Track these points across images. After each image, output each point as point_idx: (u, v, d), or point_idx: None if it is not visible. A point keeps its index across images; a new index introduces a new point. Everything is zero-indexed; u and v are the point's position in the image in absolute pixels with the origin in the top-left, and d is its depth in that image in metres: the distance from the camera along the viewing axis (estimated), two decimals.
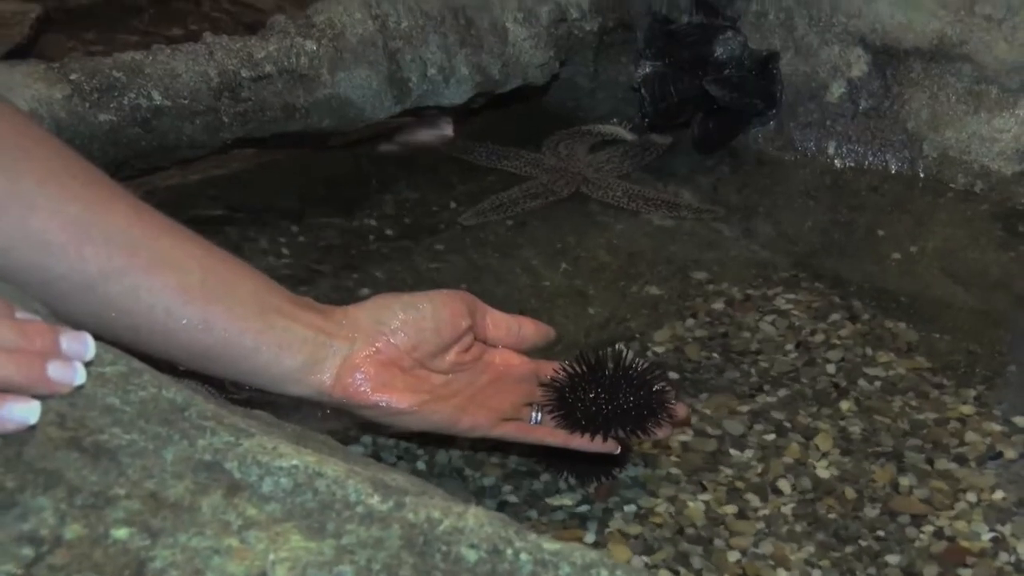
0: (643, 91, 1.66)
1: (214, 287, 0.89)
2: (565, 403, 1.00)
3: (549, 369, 1.02)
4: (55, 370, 0.71)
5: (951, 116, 1.58)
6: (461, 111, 1.63)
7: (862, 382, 1.22)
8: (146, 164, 1.34)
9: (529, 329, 1.04)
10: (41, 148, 0.86)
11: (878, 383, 1.21)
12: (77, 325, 0.77)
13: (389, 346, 0.95)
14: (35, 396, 0.69)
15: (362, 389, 0.93)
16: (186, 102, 1.31)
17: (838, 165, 1.63)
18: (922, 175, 1.60)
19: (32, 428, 0.69)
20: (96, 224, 0.84)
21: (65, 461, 0.67)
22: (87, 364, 0.73)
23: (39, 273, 0.82)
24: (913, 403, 1.19)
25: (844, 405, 1.18)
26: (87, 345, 0.74)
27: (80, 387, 0.72)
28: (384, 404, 0.94)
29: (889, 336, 1.29)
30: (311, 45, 1.41)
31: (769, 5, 1.63)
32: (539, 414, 1.01)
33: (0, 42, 1.68)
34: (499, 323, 1.02)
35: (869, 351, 1.27)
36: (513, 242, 1.45)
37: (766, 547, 1.00)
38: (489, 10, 1.54)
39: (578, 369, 1.00)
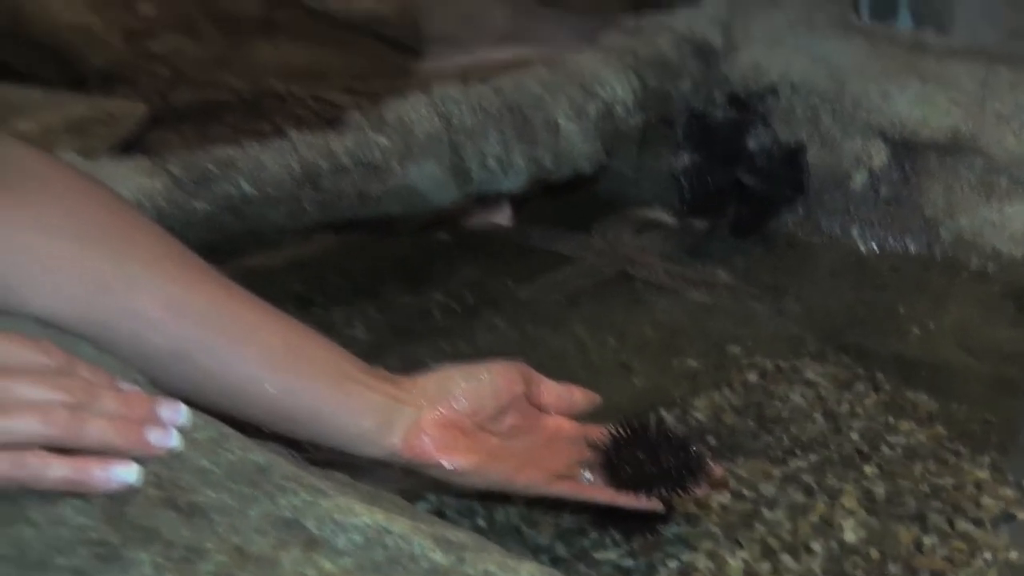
0: (682, 180, 1.66)
1: (295, 358, 0.89)
2: (612, 464, 1.00)
3: (597, 433, 1.02)
4: (153, 435, 0.72)
5: (965, 204, 1.57)
6: (517, 197, 1.63)
7: (885, 448, 1.20)
8: (235, 247, 1.35)
9: (578, 396, 1.04)
10: (144, 235, 0.88)
11: (900, 449, 1.20)
12: (172, 393, 0.78)
13: (452, 411, 0.95)
14: (136, 459, 0.70)
15: (428, 450, 0.93)
16: (272, 191, 1.32)
17: (862, 248, 1.62)
18: (939, 257, 1.58)
19: (133, 488, 0.69)
20: (191, 302, 0.85)
21: (162, 518, 0.68)
22: (181, 429, 0.73)
23: (140, 346, 0.83)
24: (933, 468, 1.17)
25: (868, 470, 1.16)
26: (181, 412, 0.74)
27: (175, 450, 0.72)
28: (447, 464, 0.94)
29: (910, 406, 1.28)
30: (383, 140, 1.42)
31: (796, 102, 1.63)
32: (589, 474, 1.01)
33: (109, 137, 1.71)
34: (551, 391, 1.02)
35: (891, 419, 1.25)
36: (564, 317, 1.45)
37: None
38: (543, 108, 1.55)
39: (623, 433, 1.00)
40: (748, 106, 1.66)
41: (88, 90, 1.92)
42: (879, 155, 1.61)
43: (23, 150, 0.87)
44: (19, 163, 0.85)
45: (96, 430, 0.70)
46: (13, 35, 2.07)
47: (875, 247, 1.62)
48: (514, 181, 1.55)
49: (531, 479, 0.98)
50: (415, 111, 1.47)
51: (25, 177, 0.84)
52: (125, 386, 0.75)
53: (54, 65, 2.03)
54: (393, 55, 2.18)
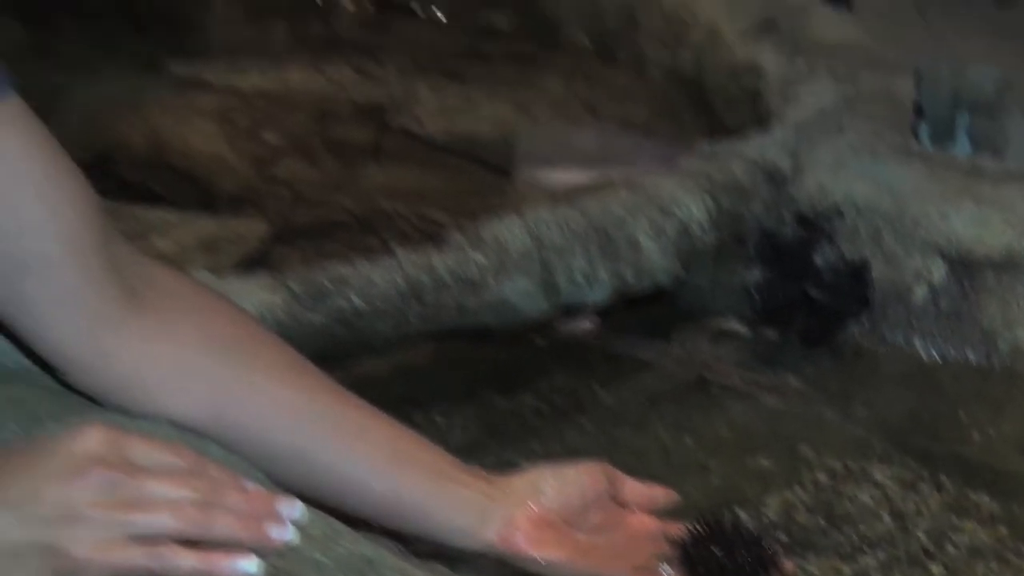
0: (754, 293, 1.66)
1: (400, 458, 0.91)
2: (690, 559, 0.99)
3: (676, 529, 1.01)
4: (272, 530, 0.73)
5: (1021, 317, 1.54)
6: (602, 308, 1.64)
7: (950, 547, 1.18)
8: (346, 355, 1.38)
9: (658, 494, 1.04)
10: (265, 346, 0.91)
11: (964, 549, 1.18)
12: (289, 489, 0.80)
13: (542, 508, 0.96)
14: (257, 552, 0.72)
15: (521, 545, 0.94)
16: (380, 305, 1.35)
17: (924, 357, 1.60)
18: (997, 367, 1.56)
19: None
20: (307, 407, 0.87)
21: None
22: (297, 524, 0.75)
23: (261, 447, 0.85)
24: (995, 567, 1.14)
25: (935, 568, 1.14)
26: (297, 508, 0.76)
27: (292, 544, 0.74)
28: (539, 558, 0.94)
29: (973, 507, 1.25)
30: (480, 258, 1.44)
31: (860, 221, 1.63)
32: (668, 568, 1.01)
33: (236, 254, 1.75)
34: (633, 489, 1.03)
35: (955, 519, 1.23)
36: (646, 420, 1.45)
37: None
38: (625, 227, 1.56)
39: (700, 529, 1.00)
40: (815, 225, 1.66)
41: (218, 211, 1.97)
42: (938, 271, 1.59)
43: (161, 270, 0.91)
44: (157, 282, 0.89)
45: (222, 525, 0.72)
46: (155, 163, 2.14)
47: (937, 356, 1.60)
48: (599, 294, 1.56)
49: (615, 572, 0.98)
50: (509, 231, 1.49)
51: (163, 295, 0.88)
52: (248, 484, 0.77)
53: (189, 189, 2.09)
54: (490, 176, 2.21)
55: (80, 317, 0.83)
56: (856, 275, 1.63)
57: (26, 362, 0.86)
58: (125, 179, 2.06)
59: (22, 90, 0.81)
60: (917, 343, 1.61)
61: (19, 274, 0.81)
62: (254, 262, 1.75)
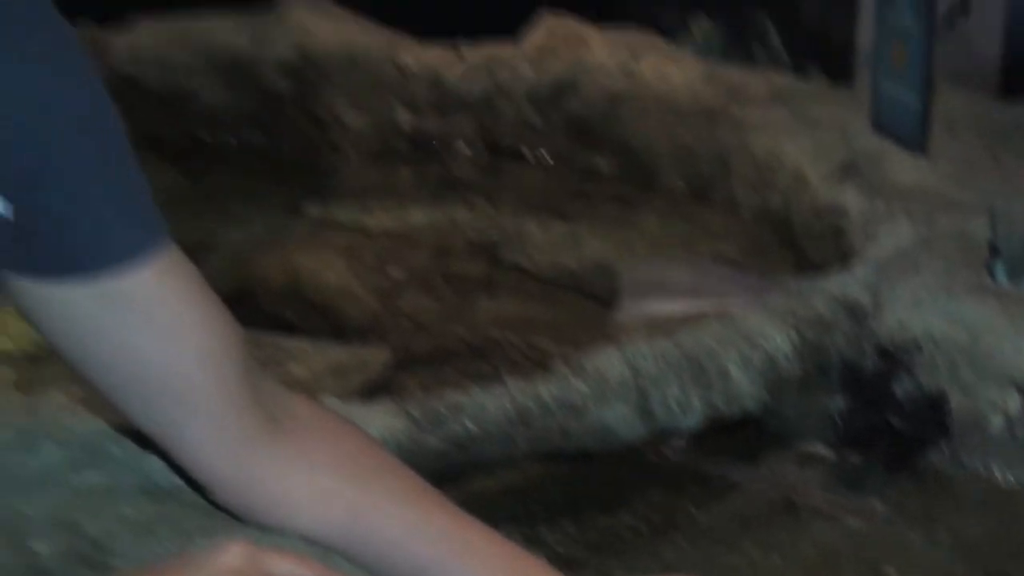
0: (838, 420, 1.65)
1: (512, 574, 0.92)
2: None
3: None
4: None
5: None
6: (695, 432, 1.64)
7: None
8: (459, 475, 1.40)
9: None
10: (388, 469, 0.93)
11: None
12: None
13: None
14: None
15: None
16: (491, 429, 1.38)
17: (1002, 483, 1.56)
18: None
19: None
20: (426, 527, 0.90)
21: None
22: None
23: (384, 563, 0.88)
24: None
25: None
26: None
27: None
28: None
29: None
30: (582, 386, 1.47)
31: (937, 355, 1.61)
32: None
33: (362, 380, 1.80)
34: None
35: None
36: (736, 538, 1.44)
37: None
38: (716, 358, 1.58)
39: None
40: (894, 358, 1.65)
41: (347, 339, 2.02)
42: (1013, 402, 1.57)
43: (297, 399, 0.94)
44: (294, 410, 0.92)
45: None
46: (292, 295, 2.21)
47: (1014, 482, 1.56)
48: (692, 419, 1.57)
49: None
50: (608, 361, 1.52)
51: (299, 422, 0.91)
52: None
53: (321, 319, 2.15)
54: (593, 307, 2.23)
55: (227, 442, 0.87)
56: (934, 405, 1.61)
57: (178, 481, 0.90)
58: (265, 310, 2.13)
59: (177, 233, 0.86)
60: (995, 469, 1.58)
61: (173, 402, 0.85)
62: (378, 386, 1.79)
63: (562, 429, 1.44)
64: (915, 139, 2.08)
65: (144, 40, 2.79)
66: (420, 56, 2.80)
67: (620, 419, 1.49)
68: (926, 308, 1.64)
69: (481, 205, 2.61)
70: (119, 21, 2.76)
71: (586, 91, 2.69)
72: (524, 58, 2.75)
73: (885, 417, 1.61)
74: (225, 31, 2.83)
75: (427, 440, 1.32)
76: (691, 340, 1.58)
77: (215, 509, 0.88)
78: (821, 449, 1.69)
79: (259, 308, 2.13)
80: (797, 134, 2.30)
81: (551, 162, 2.78)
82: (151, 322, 0.83)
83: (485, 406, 1.38)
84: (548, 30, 2.77)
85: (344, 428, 0.96)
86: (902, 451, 1.63)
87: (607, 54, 2.69)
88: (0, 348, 1.79)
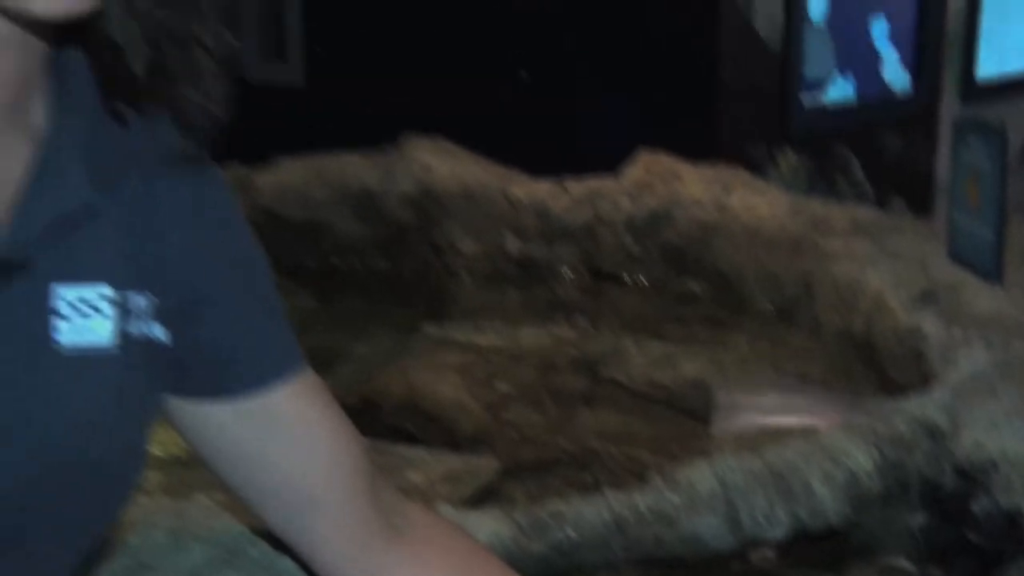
0: (918, 535, 1.63)
1: None
2: None
3: None
4: None
5: None
6: (781, 543, 1.62)
7: None
8: None
9: None
10: (493, 573, 0.96)
11: None
12: None
13: None
14: None
15: None
16: (590, 537, 1.39)
17: None
18: None
19: None
20: None
21: None
22: None
23: None
24: None
25: None
26: None
27: None
28: None
29: None
30: (675, 498, 1.48)
31: (1013, 475, 1.58)
32: None
33: (473, 486, 1.82)
34: None
35: None
36: None
37: None
38: (799, 474, 1.57)
39: None
40: (971, 477, 1.62)
41: (459, 449, 2.06)
42: None
43: (413, 507, 0.99)
44: (411, 517, 0.97)
45: None
46: (410, 407, 2.26)
47: None
48: (778, 531, 1.56)
49: None
50: (699, 474, 1.52)
51: (415, 528, 0.95)
52: None
53: (436, 429, 2.19)
54: (687, 422, 2.22)
55: (351, 546, 0.91)
56: (1011, 522, 1.58)
57: None
58: (386, 420, 2.18)
59: (310, 350, 0.90)
60: None
61: (304, 509, 0.90)
62: (488, 492, 1.82)
63: (656, 537, 1.45)
64: (991, 270, 2.07)
65: (285, 177, 2.92)
66: (529, 190, 2.87)
67: (710, 529, 1.49)
68: (1002, 430, 1.62)
69: (583, 325, 2.65)
70: (265, 161, 2.89)
71: (680, 222, 2.72)
72: (623, 192, 2.81)
73: (964, 533, 1.58)
74: (356, 168, 2.95)
75: (531, 546, 1.34)
76: (777, 456, 1.58)
77: None
78: (904, 563, 1.66)
79: (380, 418, 2.18)
80: (878, 263, 2.29)
81: (648, 286, 2.81)
82: (288, 436, 0.88)
83: (585, 515, 1.40)
84: (645, 166, 2.83)
85: (455, 535, 0.99)
86: (982, 566, 1.59)
87: (700, 188, 2.73)
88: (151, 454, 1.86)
